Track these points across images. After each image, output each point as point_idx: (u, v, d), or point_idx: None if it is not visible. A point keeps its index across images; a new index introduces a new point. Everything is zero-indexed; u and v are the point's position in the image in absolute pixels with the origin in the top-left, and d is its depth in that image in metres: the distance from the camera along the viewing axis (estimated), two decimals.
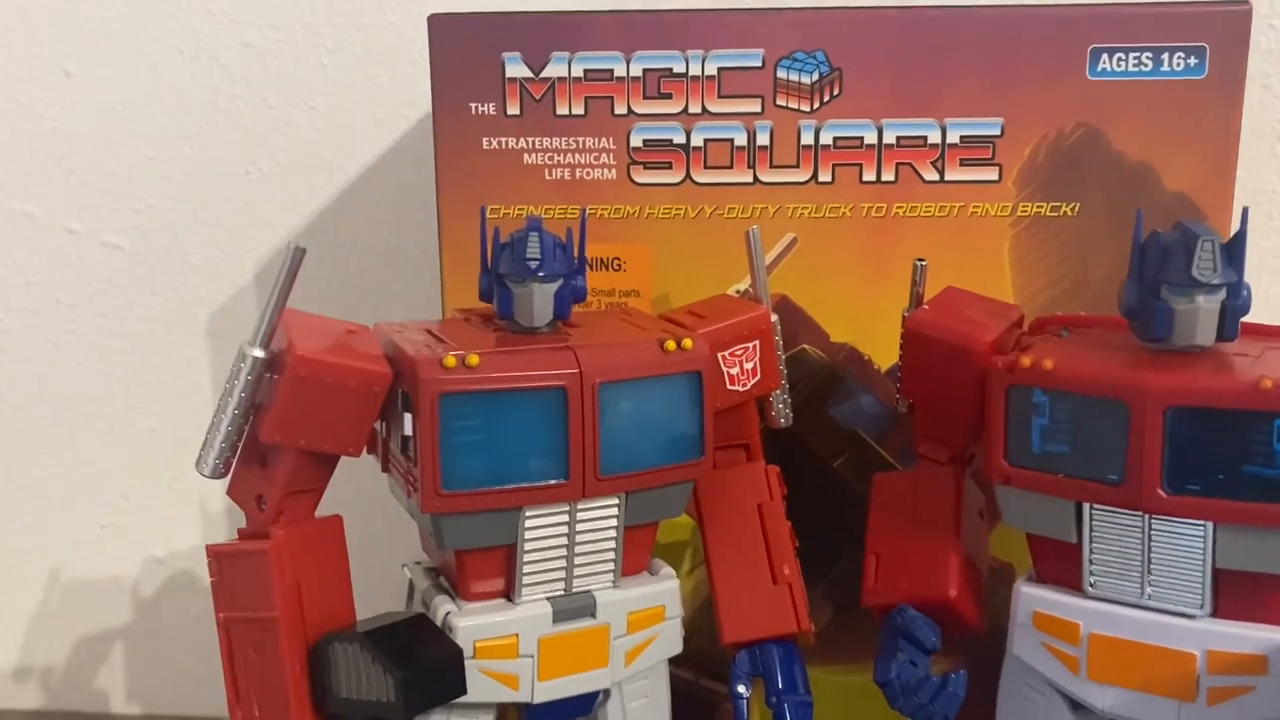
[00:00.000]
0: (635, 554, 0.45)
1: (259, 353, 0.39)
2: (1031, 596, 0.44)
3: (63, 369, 0.73)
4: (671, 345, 0.43)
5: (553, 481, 0.41)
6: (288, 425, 0.40)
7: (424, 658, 0.40)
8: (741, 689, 0.46)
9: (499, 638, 0.42)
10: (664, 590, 0.45)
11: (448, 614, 0.42)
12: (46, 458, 0.74)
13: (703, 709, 0.57)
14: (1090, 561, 0.42)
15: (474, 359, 0.40)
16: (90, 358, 0.73)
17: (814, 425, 0.54)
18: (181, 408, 0.73)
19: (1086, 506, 0.42)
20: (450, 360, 0.39)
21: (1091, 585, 0.42)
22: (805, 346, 0.54)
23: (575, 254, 0.44)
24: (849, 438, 0.56)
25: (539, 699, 0.43)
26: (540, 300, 0.43)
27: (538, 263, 0.42)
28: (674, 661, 0.46)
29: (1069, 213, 0.53)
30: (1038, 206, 0.53)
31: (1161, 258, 0.41)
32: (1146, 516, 0.40)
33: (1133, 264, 0.42)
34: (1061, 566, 0.43)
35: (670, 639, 0.46)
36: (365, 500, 0.71)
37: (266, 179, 0.71)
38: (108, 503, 0.75)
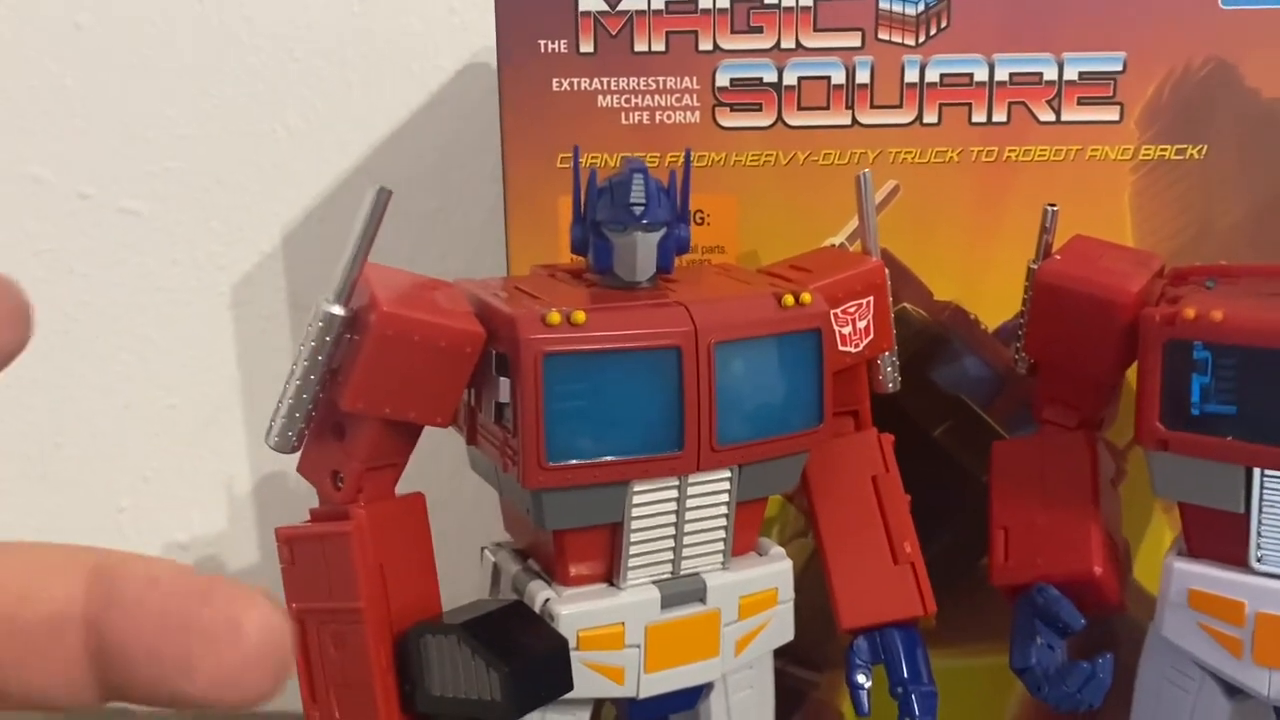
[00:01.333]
0: (744, 532, 0.41)
1: (339, 310, 0.35)
2: (1187, 573, 0.40)
3: (77, 343, 0.68)
4: (790, 300, 0.38)
5: (666, 453, 0.37)
6: (371, 391, 0.35)
7: (528, 650, 0.36)
8: (862, 679, 0.42)
9: (604, 626, 0.38)
10: (777, 571, 0.41)
11: (547, 601, 0.38)
12: (61, 438, 0.70)
13: (790, 698, 0.52)
14: (1259, 534, 0.38)
15: (580, 315, 0.35)
16: (105, 331, 0.68)
17: (914, 390, 0.50)
18: (203, 384, 0.69)
19: (1258, 472, 0.38)
20: (554, 317, 0.35)
21: (1259, 560, 0.38)
22: (906, 305, 0.50)
23: (678, 200, 0.39)
24: (952, 404, 0.51)
25: (645, 693, 0.39)
26: (644, 250, 0.38)
27: (642, 208, 0.38)
28: None
29: (1196, 155, 0.48)
30: (1162, 149, 0.48)
31: None
32: None
33: None
34: (1222, 539, 0.39)
35: (782, 625, 0.41)
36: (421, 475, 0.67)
37: (294, 138, 0.66)
38: (127, 484, 0.70)
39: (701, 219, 0.50)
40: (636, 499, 0.37)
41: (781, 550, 0.42)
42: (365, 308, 0.35)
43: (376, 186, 0.34)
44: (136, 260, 0.68)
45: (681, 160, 0.39)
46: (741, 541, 0.41)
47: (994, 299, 0.49)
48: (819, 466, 0.44)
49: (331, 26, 0.65)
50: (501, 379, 0.36)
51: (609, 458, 0.36)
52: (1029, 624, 0.41)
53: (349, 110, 0.66)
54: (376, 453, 0.37)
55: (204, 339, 0.69)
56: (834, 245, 0.49)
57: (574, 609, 0.37)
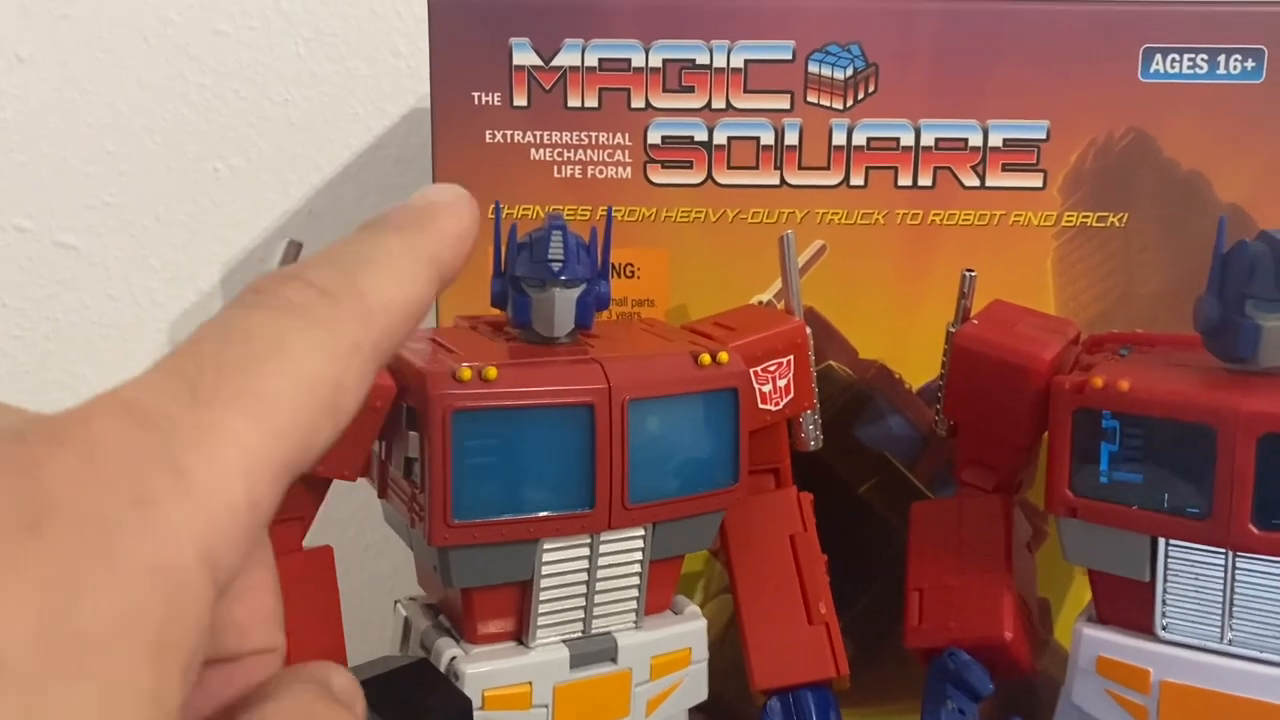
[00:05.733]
0: (658, 591, 0.40)
1: None
2: (1095, 639, 0.40)
3: (8, 377, 0.67)
4: (706, 359, 0.39)
5: (577, 511, 0.37)
6: None
7: (430, 711, 0.35)
8: None
9: (511, 686, 0.37)
10: (690, 631, 0.41)
11: (453, 659, 0.37)
12: None
13: None
14: (1164, 602, 0.38)
15: (491, 372, 0.35)
16: (38, 365, 0.67)
17: (839, 448, 0.50)
18: None
19: (1162, 542, 0.38)
20: (465, 373, 0.35)
21: (1164, 628, 0.39)
22: (832, 363, 0.50)
23: (599, 256, 0.40)
24: (876, 461, 0.52)
25: None
26: (562, 306, 0.38)
27: (561, 264, 0.38)
28: None
29: (1117, 223, 0.49)
30: (1084, 216, 0.49)
31: (1246, 271, 0.37)
32: (1231, 554, 0.37)
33: (1213, 277, 0.38)
34: (1129, 606, 0.39)
35: (696, 685, 0.41)
36: (347, 525, 0.66)
37: (236, 176, 0.66)
38: None
39: (632, 273, 0.50)
40: (546, 557, 0.37)
41: (697, 609, 0.42)
42: None
43: (286, 239, 0.34)
44: (72, 294, 0.67)
45: (602, 218, 0.40)
46: (655, 600, 0.40)
47: (918, 359, 0.50)
48: (737, 524, 0.44)
49: (275, 67, 0.65)
50: (411, 433, 0.36)
51: (518, 515, 0.36)
52: (940, 688, 0.41)
53: (291, 150, 0.66)
54: (283, 506, 0.36)
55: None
56: (761, 303, 0.49)
57: (480, 668, 0.37)
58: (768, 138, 0.49)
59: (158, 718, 0.16)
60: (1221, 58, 0.48)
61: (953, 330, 0.44)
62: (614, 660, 0.39)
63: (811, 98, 0.49)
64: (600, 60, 0.48)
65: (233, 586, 0.20)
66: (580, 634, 0.39)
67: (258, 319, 0.20)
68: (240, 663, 0.21)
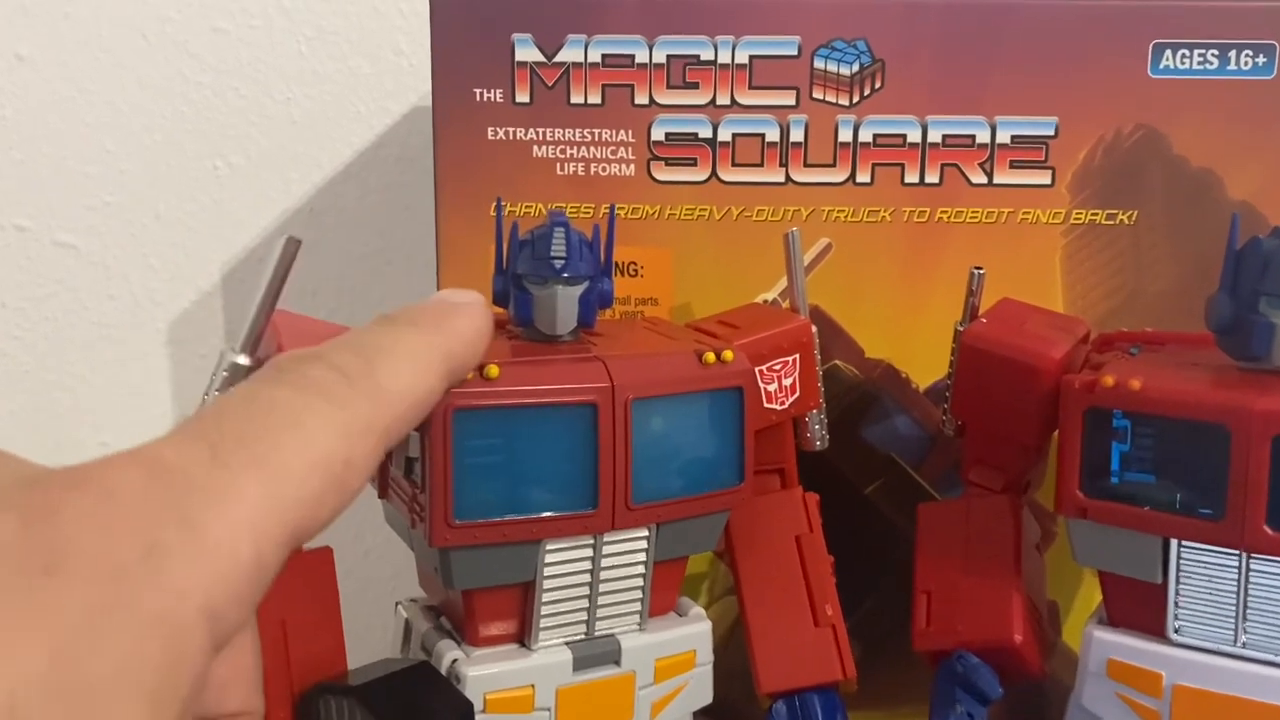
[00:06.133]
0: (662, 593, 0.40)
1: (244, 360, 0.34)
2: (1106, 642, 0.39)
3: (7, 378, 0.67)
4: (710, 357, 0.38)
5: (579, 511, 0.36)
6: None
7: (431, 714, 0.35)
8: None
9: (513, 689, 0.37)
10: (695, 633, 0.40)
11: (454, 662, 0.37)
12: None
13: None
14: (1176, 605, 0.38)
15: (493, 370, 0.35)
16: (37, 366, 0.67)
17: (845, 448, 0.50)
18: (137, 422, 0.68)
19: (1174, 543, 0.37)
20: None
21: (1176, 631, 0.38)
22: (838, 362, 0.50)
23: (602, 254, 0.39)
24: (883, 462, 0.51)
25: None
26: (564, 304, 0.38)
27: (563, 262, 0.37)
28: None
29: (1126, 221, 0.49)
30: (1093, 213, 0.49)
31: (1260, 267, 0.37)
32: (1245, 555, 0.36)
33: (1226, 274, 0.38)
34: (1139, 609, 0.39)
35: (700, 688, 0.41)
36: (347, 526, 0.65)
37: (236, 175, 0.66)
38: None
39: (636, 271, 0.49)
40: (549, 558, 0.37)
41: (701, 611, 0.41)
42: (271, 358, 0.34)
43: (286, 237, 0.34)
44: (71, 294, 0.67)
45: (606, 215, 0.39)
46: (660, 602, 0.40)
47: (925, 358, 0.49)
48: (742, 525, 0.43)
49: (277, 65, 0.64)
50: (412, 433, 0.35)
51: (520, 516, 0.36)
52: (949, 691, 0.41)
53: (292, 149, 0.65)
54: None
55: (139, 376, 0.68)
56: (766, 301, 0.49)
57: (482, 670, 0.37)
58: (773, 134, 0.48)
59: None
60: (1232, 53, 0.47)
61: (960, 329, 0.43)
62: (617, 663, 0.38)
63: (817, 94, 0.48)
64: (603, 56, 0.48)
65: None
66: (583, 636, 0.38)
67: (280, 394, 0.21)
68: None
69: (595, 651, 0.38)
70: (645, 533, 0.38)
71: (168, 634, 0.17)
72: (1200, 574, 0.37)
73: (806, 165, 0.49)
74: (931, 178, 0.49)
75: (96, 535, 0.17)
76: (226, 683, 0.23)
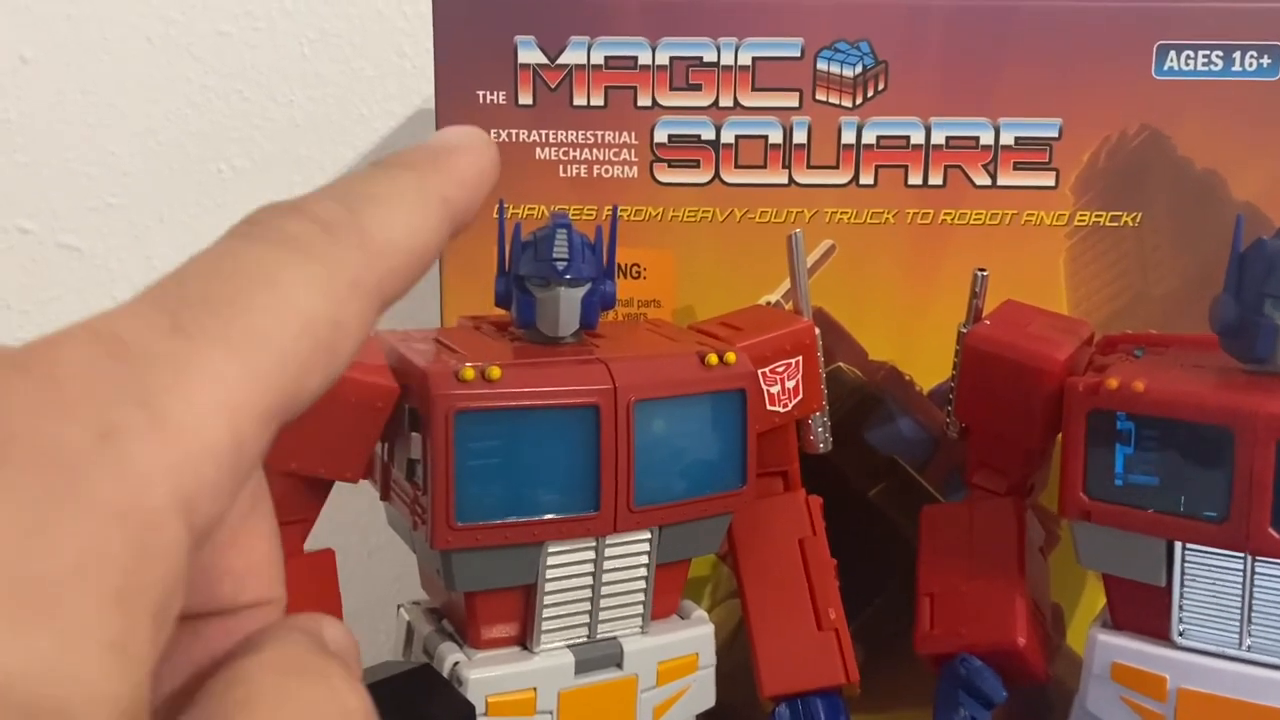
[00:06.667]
0: (665, 595, 0.40)
1: None
2: (1110, 645, 0.39)
3: None
4: (713, 359, 0.38)
5: (581, 514, 0.36)
6: (276, 447, 0.34)
7: (432, 718, 0.35)
8: None
9: (515, 692, 0.37)
10: (697, 636, 0.40)
11: (456, 664, 0.37)
12: None
13: None
14: (1181, 608, 0.38)
15: (495, 372, 0.35)
16: None
17: (848, 450, 0.50)
18: None
19: (1179, 546, 0.37)
20: (468, 373, 0.34)
21: (1181, 634, 0.38)
22: (841, 364, 0.50)
23: (605, 256, 0.39)
24: (886, 464, 0.51)
25: None
26: (567, 306, 0.38)
27: (566, 264, 0.37)
28: None
29: (1130, 222, 0.49)
30: (1097, 215, 0.49)
31: (1265, 269, 0.37)
32: (1250, 558, 0.36)
33: (1230, 276, 0.38)
34: (1144, 612, 0.39)
35: (703, 692, 0.41)
36: (351, 529, 0.65)
37: (240, 177, 0.65)
38: None
39: (639, 273, 0.49)
40: (551, 560, 0.37)
41: (704, 614, 0.41)
42: None
43: None
44: (75, 296, 0.67)
45: (608, 217, 0.39)
46: (662, 605, 0.40)
47: (929, 360, 0.49)
48: (745, 528, 0.43)
49: (280, 67, 0.64)
50: (414, 435, 0.35)
51: (522, 518, 0.36)
52: (952, 694, 0.41)
53: (296, 151, 0.65)
54: (284, 509, 0.35)
55: None
56: (769, 303, 0.49)
57: (483, 673, 0.36)
58: (776, 136, 0.48)
59: (124, 666, 0.15)
60: (1237, 54, 0.47)
61: (964, 331, 0.43)
62: (619, 666, 0.38)
63: (820, 95, 0.48)
64: (606, 58, 0.48)
65: (228, 534, 0.19)
66: (585, 639, 0.38)
67: (251, 251, 0.19)
68: (238, 615, 0.20)
69: (597, 654, 0.38)
70: (647, 535, 0.38)
71: (132, 527, 0.15)
72: (1205, 577, 0.37)
73: (809, 167, 0.49)
74: (935, 179, 0.48)
75: (43, 420, 0.15)
76: (242, 573, 0.20)
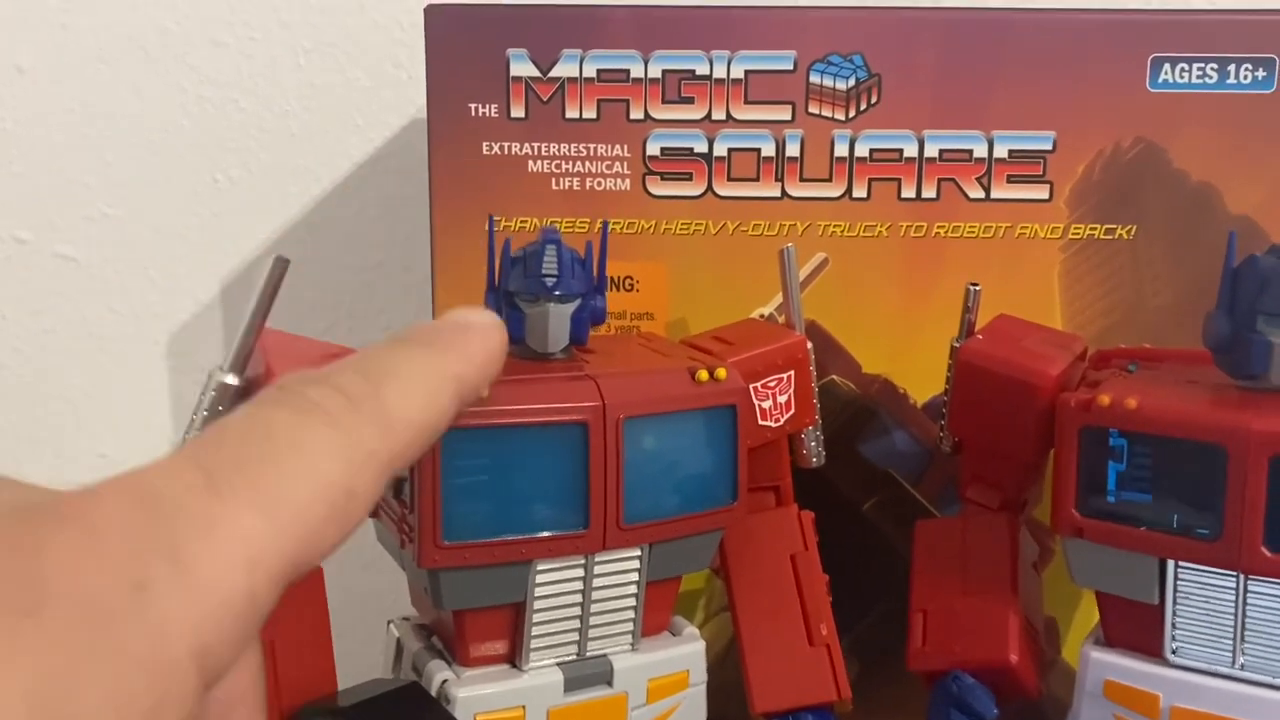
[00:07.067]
0: (655, 612, 0.40)
1: (231, 379, 0.34)
2: (1103, 663, 0.39)
3: (6, 391, 0.67)
4: (704, 375, 0.38)
5: (569, 531, 0.36)
6: None
7: None
8: None
9: (503, 710, 0.37)
10: (688, 653, 0.40)
11: (444, 682, 0.37)
12: None
13: None
14: (1174, 625, 0.37)
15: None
16: (36, 378, 0.67)
17: (842, 464, 0.50)
18: (137, 435, 0.68)
19: (1171, 564, 0.37)
20: None
21: (1174, 652, 0.38)
22: (835, 378, 0.50)
23: (595, 271, 0.39)
24: (881, 478, 0.51)
25: None
26: (556, 322, 0.38)
27: (555, 279, 0.37)
28: None
29: (1125, 236, 0.48)
30: (1091, 228, 0.48)
31: (1258, 285, 0.36)
32: (1243, 577, 0.36)
33: (1223, 292, 0.37)
34: (1137, 629, 0.38)
35: (694, 709, 0.40)
36: (348, 541, 0.65)
37: (236, 187, 0.65)
38: None
39: (631, 286, 0.49)
40: (540, 578, 0.36)
41: (695, 631, 0.41)
42: (259, 378, 0.34)
43: (275, 256, 0.34)
44: (71, 307, 0.67)
45: (598, 231, 0.39)
46: (653, 622, 0.40)
47: (923, 373, 0.49)
48: (737, 543, 0.43)
49: (276, 78, 0.64)
50: None
51: (510, 536, 0.35)
52: (944, 711, 0.40)
53: (291, 162, 0.65)
54: None
55: (138, 389, 0.67)
56: (762, 316, 0.49)
57: (472, 691, 0.36)
58: (769, 149, 0.48)
59: None
60: (1232, 67, 0.47)
61: (957, 345, 0.43)
62: (610, 683, 0.38)
63: (813, 108, 0.48)
64: (599, 71, 0.48)
65: None
66: (575, 657, 0.38)
67: (281, 418, 0.20)
68: None
69: (587, 672, 0.38)
70: (637, 553, 0.38)
71: (154, 676, 0.16)
72: (1197, 595, 0.37)
73: (802, 180, 0.48)
74: (928, 192, 0.48)
75: (80, 574, 0.16)
76: (228, 705, 0.22)
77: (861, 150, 0.48)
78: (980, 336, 0.43)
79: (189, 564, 0.17)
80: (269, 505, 0.19)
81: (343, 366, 0.22)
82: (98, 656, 0.16)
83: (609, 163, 0.48)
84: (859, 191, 0.48)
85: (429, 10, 0.48)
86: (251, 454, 0.19)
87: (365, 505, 0.21)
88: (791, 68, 0.48)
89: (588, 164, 0.48)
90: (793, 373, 0.42)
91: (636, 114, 0.48)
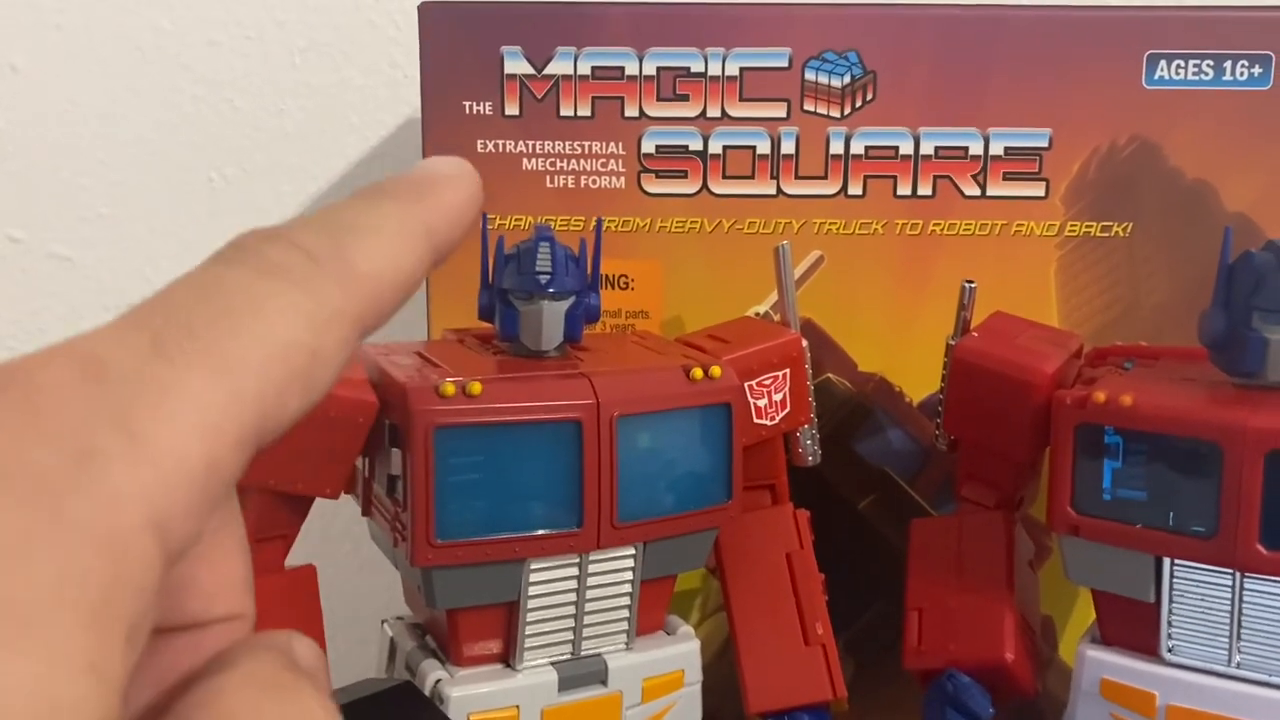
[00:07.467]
0: (650, 611, 0.39)
1: None
2: (1099, 661, 0.39)
3: None
4: (698, 373, 0.38)
5: (563, 530, 0.36)
6: (255, 463, 0.34)
7: None
8: None
9: (497, 709, 0.37)
10: (683, 653, 0.40)
11: (438, 682, 0.36)
12: None
13: None
14: (1169, 624, 0.37)
15: (475, 387, 0.34)
16: None
17: (838, 462, 0.49)
18: None
19: (1167, 562, 0.37)
20: (448, 388, 0.34)
21: (1170, 650, 0.38)
22: (830, 376, 0.49)
23: (589, 268, 0.39)
24: (877, 477, 0.51)
25: None
26: (550, 319, 0.37)
27: (548, 277, 0.37)
28: None
29: (1121, 233, 0.48)
30: (1087, 226, 0.48)
31: (1253, 282, 0.36)
32: (1238, 574, 0.36)
33: (1219, 289, 0.37)
34: (1133, 628, 0.38)
35: (689, 708, 0.40)
36: (335, 543, 0.65)
37: (231, 186, 0.65)
38: None
39: (626, 284, 0.49)
40: (533, 577, 0.36)
41: (690, 630, 0.41)
42: None
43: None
44: (66, 307, 0.66)
45: (592, 229, 0.39)
46: (647, 621, 0.39)
47: (919, 372, 0.49)
48: (732, 542, 0.43)
49: (271, 77, 0.64)
50: (394, 450, 0.35)
51: (503, 535, 0.35)
52: (940, 711, 0.40)
53: (287, 161, 0.65)
54: (263, 525, 0.36)
55: None
56: (757, 314, 0.48)
57: (466, 691, 0.36)
58: (764, 146, 0.48)
59: (98, 687, 0.15)
60: (1228, 64, 0.47)
61: (952, 343, 0.43)
62: (604, 683, 0.38)
63: (808, 106, 0.48)
64: (593, 68, 0.48)
65: (198, 550, 0.19)
66: (569, 656, 0.38)
67: (235, 276, 0.19)
68: (207, 629, 0.20)
69: (581, 671, 0.38)
70: (631, 551, 0.38)
71: (107, 548, 0.15)
72: (1193, 593, 0.37)
73: (798, 178, 0.48)
74: (924, 190, 0.48)
75: (21, 443, 0.15)
76: (211, 589, 0.21)
77: (857, 148, 0.48)
78: (976, 334, 0.43)
79: (138, 431, 0.16)
80: (223, 368, 0.18)
81: (303, 222, 0.21)
82: (44, 530, 0.15)
83: (604, 160, 0.48)
84: (854, 189, 0.48)
85: (423, 8, 0.48)
86: (203, 315, 0.18)
87: (332, 367, 0.19)
88: (786, 65, 0.48)
89: (582, 162, 0.48)
90: (788, 371, 0.42)
91: (631, 111, 0.48)
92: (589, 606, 0.37)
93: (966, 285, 0.43)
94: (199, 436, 0.17)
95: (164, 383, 0.17)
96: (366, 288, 0.20)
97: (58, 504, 0.15)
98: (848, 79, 0.47)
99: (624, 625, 0.38)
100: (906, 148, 0.48)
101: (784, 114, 0.48)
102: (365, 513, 0.38)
